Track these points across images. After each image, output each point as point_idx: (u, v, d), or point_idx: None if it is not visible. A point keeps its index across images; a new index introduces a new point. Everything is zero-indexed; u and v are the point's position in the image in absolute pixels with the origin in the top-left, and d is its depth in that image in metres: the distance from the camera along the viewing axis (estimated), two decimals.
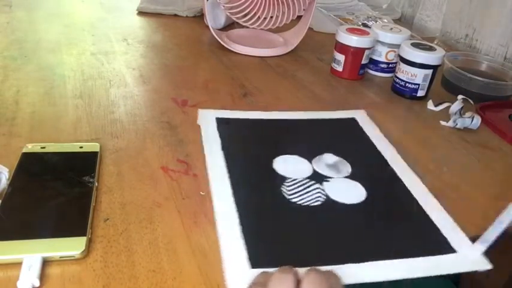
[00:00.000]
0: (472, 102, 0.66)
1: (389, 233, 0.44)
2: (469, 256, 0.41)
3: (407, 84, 0.72)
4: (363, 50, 0.76)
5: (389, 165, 0.54)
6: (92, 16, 0.95)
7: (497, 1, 0.92)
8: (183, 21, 0.98)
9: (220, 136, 0.55)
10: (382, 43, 0.78)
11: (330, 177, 0.50)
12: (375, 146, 0.58)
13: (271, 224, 0.43)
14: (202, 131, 0.56)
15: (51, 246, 0.37)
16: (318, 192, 0.48)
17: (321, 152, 0.55)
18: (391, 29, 0.80)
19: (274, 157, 0.52)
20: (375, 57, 0.80)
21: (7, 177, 0.43)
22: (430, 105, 0.71)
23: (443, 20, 1.06)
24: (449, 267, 0.40)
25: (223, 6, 0.82)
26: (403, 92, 0.73)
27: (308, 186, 0.49)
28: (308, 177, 0.50)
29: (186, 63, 0.78)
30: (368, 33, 0.76)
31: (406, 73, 0.72)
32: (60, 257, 0.36)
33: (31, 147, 0.48)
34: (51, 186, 0.43)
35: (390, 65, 0.80)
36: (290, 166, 0.51)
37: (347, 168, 0.52)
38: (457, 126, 0.65)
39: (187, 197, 0.46)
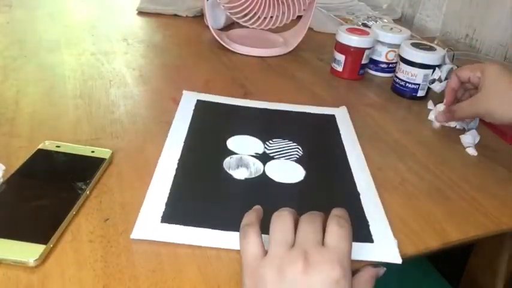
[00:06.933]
0: None
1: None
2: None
3: (407, 84, 0.72)
4: (363, 50, 0.76)
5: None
6: (92, 16, 0.95)
7: (497, 1, 0.92)
8: (183, 21, 0.98)
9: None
10: (382, 43, 0.78)
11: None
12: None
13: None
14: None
15: (6, 248, 0.36)
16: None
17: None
18: (391, 29, 0.80)
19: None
20: (375, 57, 0.80)
21: (1, 175, 0.43)
22: (430, 105, 0.71)
23: (443, 20, 1.06)
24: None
25: (223, 6, 0.82)
26: (403, 92, 0.73)
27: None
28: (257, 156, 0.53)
29: (186, 63, 0.78)
30: (368, 33, 0.76)
31: (406, 73, 0.72)
32: (13, 262, 0.35)
33: (48, 144, 0.49)
34: (42, 186, 0.43)
35: (390, 65, 0.80)
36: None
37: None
38: (457, 127, 0.65)
39: None
